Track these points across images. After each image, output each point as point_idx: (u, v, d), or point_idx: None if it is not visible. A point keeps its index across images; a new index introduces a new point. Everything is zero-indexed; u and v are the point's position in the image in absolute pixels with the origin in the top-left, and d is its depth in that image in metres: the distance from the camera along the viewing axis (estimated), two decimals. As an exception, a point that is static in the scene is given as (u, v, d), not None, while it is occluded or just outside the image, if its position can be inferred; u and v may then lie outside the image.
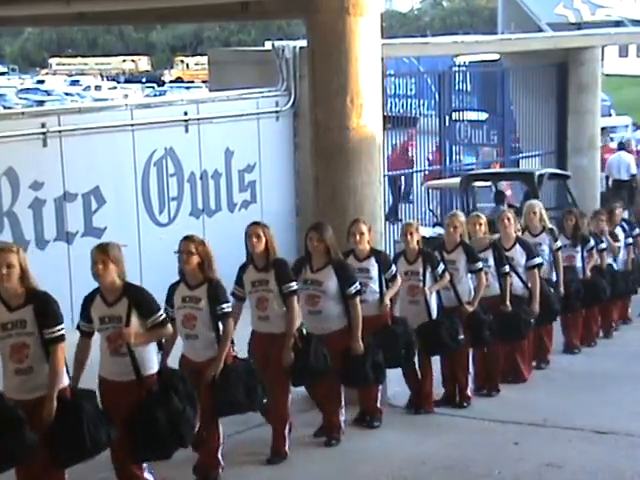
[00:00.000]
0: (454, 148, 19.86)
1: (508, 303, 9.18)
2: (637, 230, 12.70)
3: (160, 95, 42.51)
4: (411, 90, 22.81)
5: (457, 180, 18.05)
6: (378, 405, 8.28)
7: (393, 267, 8.18)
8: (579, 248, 10.97)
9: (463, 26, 58.58)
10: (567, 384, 9.89)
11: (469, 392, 8.96)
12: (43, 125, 11.75)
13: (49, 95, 47.43)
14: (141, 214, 12.85)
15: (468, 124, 20.63)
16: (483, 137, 20.43)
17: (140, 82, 58.28)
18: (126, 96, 45.19)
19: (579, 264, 10.96)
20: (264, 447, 7.46)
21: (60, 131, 11.92)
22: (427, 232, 15.58)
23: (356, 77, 8.46)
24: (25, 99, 45.63)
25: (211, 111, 13.63)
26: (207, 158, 13.62)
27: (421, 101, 22.61)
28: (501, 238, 9.62)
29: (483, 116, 21.14)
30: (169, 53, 70.40)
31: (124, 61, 68.46)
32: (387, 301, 8.09)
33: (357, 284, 7.59)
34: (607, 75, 35.11)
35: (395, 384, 9.01)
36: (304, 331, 7.32)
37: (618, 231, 12.17)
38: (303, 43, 10.57)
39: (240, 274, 7.32)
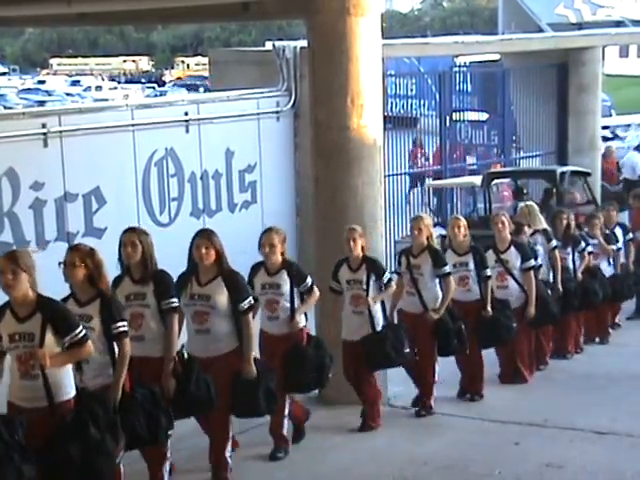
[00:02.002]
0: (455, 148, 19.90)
1: (489, 308, 8.97)
2: (630, 235, 12.40)
3: (161, 95, 42.51)
4: (411, 90, 22.85)
5: (458, 180, 18.16)
6: (284, 433, 7.55)
7: (308, 279, 7.50)
8: (570, 249, 10.91)
9: (463, 26, 58.61)
10: (567, 385, 9.89)
11: (432, 401, 8.61)
12: (44, 125, 11.74)
13: (50, 95, 47.47)
14: (142, 214, 12.84)
15: (469, 124, 20.65)
16: (484, 137, 20.45)
17: (140, 82, 58.30)
18: (126, 96, 45.16)
19: (570, 265, 10.88)
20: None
21: (61, 131, 11.91)
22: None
23: (357, 77, 8.46)
24: (26, 99, 45.65)
25: (212, 111, 13.63)
26: (208, 158, 13.62)
27: (421, 101, 22.64)
28: (496, 240, 9.55)
29: (484, 116, 21.16)
30: (169, 53, 70.41)
31: (125, 61, 68.50)
32: (299, 318, 7.47)
33: (250, 298, 6.77)
34: (607, 75, 35.10)
35: (395, 385, 9.01)
36: (185, 354, 6.45)
37: (618, 232, 12.01)
38: (304, 43, 10.57)
39: (113, 287, 6.28)
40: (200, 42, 66.84)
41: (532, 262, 9.56)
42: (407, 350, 8.14)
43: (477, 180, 16.75)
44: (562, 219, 10.97)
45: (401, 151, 17.95)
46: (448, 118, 19.44)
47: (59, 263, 5.95)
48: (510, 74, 19.83)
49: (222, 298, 6.65)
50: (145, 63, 70.01)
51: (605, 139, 22.61)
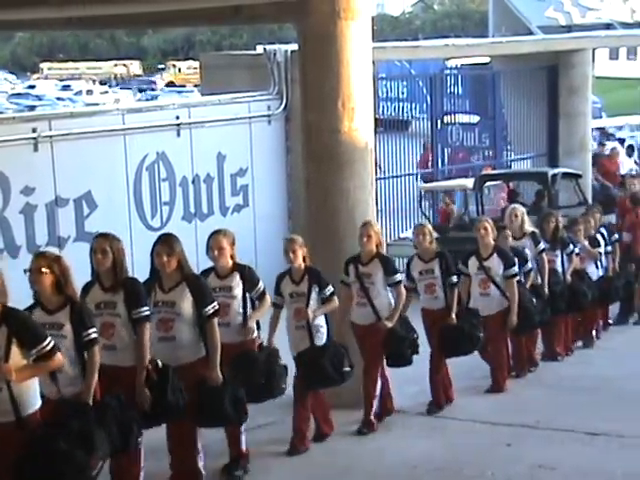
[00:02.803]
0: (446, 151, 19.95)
1: (454, 316, 8.72)
2: (616, 236, 12.35)
3: (152, 99, 42.48)
4: (403, 93, 22.89)
5: (450, 183, 18.19)
6: (243, 448, 7.20)
7: (261, 284, 7.21)
8: (558, 252, 10.89)
9: (454, 29, 58.68)
10: (558, 386, 9.90)
11: (371, 417, 8.20)
12: (34, 130, 11.75)
13: (40, 100, 47.37)
14: (133, 219, 12.86)
15: (460, 127, 20.70)
16: (475, 140, 20.50)
17: (130, 88, 58.20)
18: (118, 101, 45.11)
19: (559, 268, 10.86)
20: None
21: (51, 136, 11.93)
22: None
23: (347, 80, 8.47)
24: (16, 104, 45.55)
25: (203, 115, 13.64)
26: (199, 162, 13.64)
27: (413, 104, 22.68)
28: (479, 247, 9.36)
29: (475, 119, 21.20)
30: (161, 57, 70.34)
31: (115, 65, 68.39)
32: (252, 324, 7.17)
33: (215, 304, 6.58)
34: (597, 77, 35.19)
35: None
36: (159, 362, 6.29)
37: (599, 237, 11.93)
38: (294, 47, 10.60)
39: (83, 294, 6.21)
40: (191, 46, 66.78)
41: (515, 269, 9.38)
42: (347, 369, 7.66)
43: (469, 183, 16.79)
44: (550, 221, 10.97)
45: (395, 153, 18.03)
46: (439, 121, 19.50)
47: (24, 270, 5.75)
48: (501, 77, 19.89)
49: (187, 304, 6.52)
50: (136, 67, 69.93)
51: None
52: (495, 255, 9.31)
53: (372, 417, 8.21)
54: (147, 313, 6.24)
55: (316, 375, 7.51)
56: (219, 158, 13.90)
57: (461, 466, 7.38)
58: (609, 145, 22.59)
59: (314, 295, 7.57)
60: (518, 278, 9.58)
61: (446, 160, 20.08)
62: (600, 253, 11.83)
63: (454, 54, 19.77)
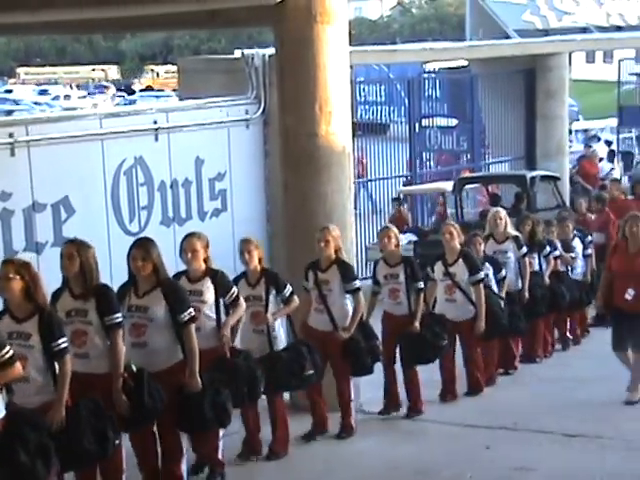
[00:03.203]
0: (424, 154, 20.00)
1: (417, 323, 8.60)
2: (589, 237, 12.34)
3: (130, 104, 42.37)
4: (381, 97, 22.94)
5: (429, 186, 18.25)
6: (220, 456, 7.15)
7: (234, 289, 7.12)
8: (535, 254, 10.93)
9: (432, 33, 58.81)
10: (537, 388, 9.95)
11: (351, 420, 8.15)
12: (11, 135, 11.64)
13: (17, 105, 47.12)
14: (111, 223, 12.78)
15: (438, 130, 20.76)
16: (453, 143, 20.56)
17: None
18: (95, 105, 44.96)
19: (537, 270, 10.89)
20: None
21: (28, 141, 11.84)
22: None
23: (324, 84, 8.49)
24: (-7, 109, 45.30)
25: (181, 120, 13.60)
26: (177, 167, 13.57)
27: (391, 108, 22.73)
28: (445, 252, 9.26)
29: (453, 122, 21.27)
30: (138, 62, 70.15)
31: (93, 70, 68.14)
32: (226, 331, 7.02)
33: (191, 310, 6.53)
34: (574, 81, 35.34)
35: (367, 390, 9.02)
36: (133, 367, 6.26)
37: (575, 242, 11.95)
38: (272, 51, 10.58)
39: (52, 301, 6.14)
40: (169, 50, 66.62)
41: (481, 275, 9.26)
42: (309, 373, 7.58)
43: (447, 186, 16.85)
44: (526, 224, 11.00)
45: (374, 157, 18.07)
46: (417, 124, 19.54)
47: None
48: (478, 80, 19.95)
49: (160, 309, 6.44)
50: (114, 72, 69.74)
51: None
52: (461, 260, 9.20)
53: (351, 420, 8.16)
54: (120, 320, 6.18)
55: (274, 381, 7.39)
56: (197, 162, 13.83)
57: (440, 469, 7.42)
58: (597, 147, 22.69)
59: (272, 298, 7.45)
60: (489, 284, 9.60)
61: (431, 163, 20.18)
62: (574, 258, 11.82)
63: (432, 58, 19.83)
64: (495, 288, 9.92)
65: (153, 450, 6.61)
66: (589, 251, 12.07)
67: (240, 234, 14.00)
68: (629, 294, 8.80)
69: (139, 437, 6.51)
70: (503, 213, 10.63)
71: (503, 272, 10.01)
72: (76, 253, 6.14)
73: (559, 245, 11.57)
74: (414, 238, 15.34)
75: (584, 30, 22.02)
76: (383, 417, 8.80)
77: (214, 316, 7.01)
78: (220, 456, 7.14)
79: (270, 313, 7.42)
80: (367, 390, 9.01)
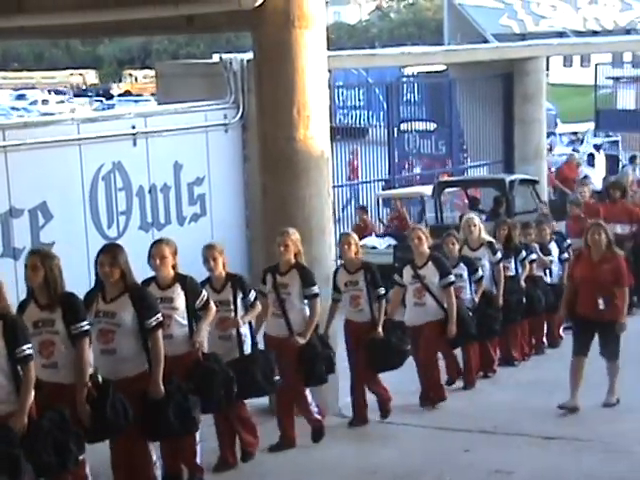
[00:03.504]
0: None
1: (380, 329, 8.41)
2: (567, 242, 12.25)
3: (108, 109, 42.24)
4: (360, 101, 23.01)
5: (407, 190, 18.29)
6: (198, 461, 7.05)
7: (204, 293, 7.05)
8: (512, 259, 10.89)
9: (411, 37, 58.97)
10: (515, 391, 9.97)
11: (319, 424, 8.01)
12: (-12, 140, 11.63)
13: (-6, 110, 46.88)
14: (89, 229, 12.76)
15: (416, 134, 20.83)
16: (431, 147, 20.64)
17: (87, 96, 57.89)
18: (73, 110, 44.79)
19: (513, 275, 10.83)
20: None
21: (5, 146, 11.81)
22: (377, 242, 15.72)
23: (302, 89, 8.49)
24: (-30, 114, 45.03)
25: (159, 124, 13.58)
26: (156, 171, 13.57)
27: (370, 112, 22.81)
28: (414, 256, 9.14)
29: (431, 126, 21.34)
30: (117, 66, 69.97)
31: (71, 75, 67.90)
32: (201, 337, 6.97)
33: (159, 315, 6.46)
34: (552, 85, 35.53)
35: (346, 395, 9.02)
36: (99, 378, 6.16)
37: (552, 246, 11.89)
38: (251, 56, 10.60)
39: (19, 312, 6.09)
40: (148, 55, 66.47)
41: (451, 278, 9.12)
42: (277, 377, 7.52)
43: (426, 190, 16.89)
44: (502, 229, 10.97)
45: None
46: (396, 129, 19.60)
47: None
48: (456, 84, 20.04)
49: (128, 315, 6.38)
50: (92, 76, 69.50)
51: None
52: (430, 263, 9.07)
53: (316, 419, 8.03)
54: (86, 328, 6.12)
55: (248, 385, 7.29)
56: (176, 167, 13.84)
57: (419, 472, 7.42)
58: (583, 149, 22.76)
59: (240, 302, 7.39)
60: (464, 287, 9.58)
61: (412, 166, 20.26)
62: (552, 261, 11.85)
63: (410, 62, 19.90)
64: (469, 290, 9.85)
65: (143, 459, 6.53)
66: (566, 255, 11.99)
67: (219, 238, 14.03)
68: (601, 304, 8.71)
69: (131, 448, 6.45)
70: (477, 220, 10.56)
71: (479, 273, 9.96)
72: (40, 264, 6.07)
73: (537, 248, 11.60)
74: (393, 242, 15.36)
75: (561, 34, 22.18)
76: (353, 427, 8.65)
77: (186, 322, 6.93)
78: (199, 461, 7.06)
79: (240, 317, 7.37)
80: (346, 394, 8.99)
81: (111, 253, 6.45)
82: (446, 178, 18.55)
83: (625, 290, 8.92)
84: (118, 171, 13.10)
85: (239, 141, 14.51)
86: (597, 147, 23.97)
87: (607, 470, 7.34)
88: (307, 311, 7.91)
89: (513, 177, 16.41)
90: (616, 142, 26.33)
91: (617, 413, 8.83)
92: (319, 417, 8.08)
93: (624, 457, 7.61)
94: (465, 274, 9.82)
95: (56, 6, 9.34)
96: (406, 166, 20.64)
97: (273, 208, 8.76)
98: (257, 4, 8.31)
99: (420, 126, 21.16)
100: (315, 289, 7.89)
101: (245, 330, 7.45)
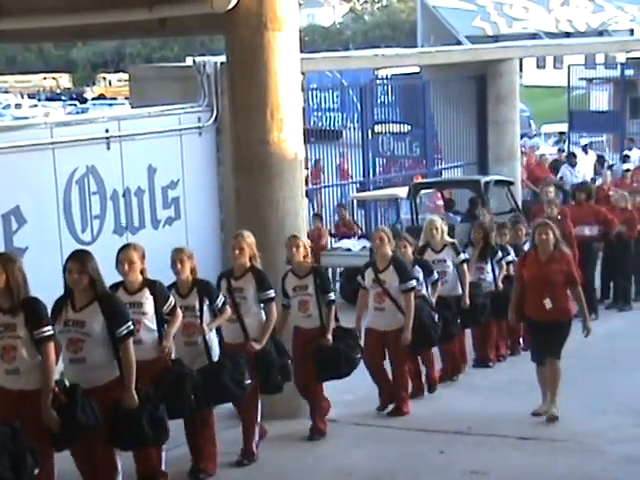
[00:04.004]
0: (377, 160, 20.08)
1: (330, 336, 8.14)
2: None
3: (82, 113, 42.07)
4: (334, 103, 23.01)
5: (382, 192, 18.33)
6: (162, 467, 6.97)
7: (171, 298, 6.97)
8: (488, 260, 10.93)
9: (385, 39, 59.12)
10: (490, 392, 10.01)
11: (253, 446, 7.75)
12: (-39, 144, 11.54)
13: (-33, 114, 46.62)
14: (63, 233, 12.68)
15: (391, 136, 20.85)
16: (406, 149, 20.67)
17: (61, 100, 57.64)
18: (47, 114, 44.59)
19: (489, 276, 10.92)
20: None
21: (-22, 150, 11.73)
22: (352, 244, 15.74)
23: (275, 91, 8.49)
24: (-57, 119, 44.72)
25: (133, 128, 13.53)
26: (130, 175, 13.50)
27: (344, 114, 22.81)
28: (375, 259, 8.96)
29: (405, 128, 21.38)
30: (90, 70, 69.72)
31: (45, 78, 67.59)
32: (169, 342, 6.86)
33: (130, 324, 6.34)
34: (526, 86, 35.71)
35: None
36: (66, 382, 6.07)
37: (527, 246, 11.97)
38: (224, 58, 10.59)
39: None
40: (121, 58, 66.30)
41: (412, 283, 8.89)
42: (248, 382, 7.39)
43: (400, 192, 16.93)
44: (477, 232, 11.00)
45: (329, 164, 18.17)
46: (370, 130, 19.62)
47: None
48: (430, 86, 20.08)
49: (98, 324, 6.24)
50: (66, 80, 69.23)
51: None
52: (391, 267, 8.82)
53: (253, 446, 7.76)
54: (50, 333, 6.00)
55: (218, 392, 7.19)
56: (150, 171, 13.78)
57: (394, 474, 7.45)
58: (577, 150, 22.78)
59: (206, 308, 7.24)
60: (421, 290, 9.37)
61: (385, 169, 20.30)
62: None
63: (384, 64, 19.90)
64: (425, 292, 9.67)
65: (109, 468, 6.39)
66: None
67: (194, 242, 14.02)
68: (548, 304, 8.50)
69: (97, 457, 6.32)
70: (439, 222, 10.44)
71: (435, 275, 9.81)
72: (2, 268, 5.96)
73: (511, 250, 11.62)
74: (368, 244, 15.39)
75: (534, 36, 22.27)
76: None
77: (155, 327, 6.86)
78: (163, 467, 6.98)
79: (206, 324, 7.22)
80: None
81: (80, 260, 6.30)
82: (421, 180, 18.60)
83: (579, 290, 8.72)
84: (92, 175, 13.03)
85: (213, 144, 14.47)
86: (584, 147, 24.04)
87: (582, 470, 7.39)
88: (263, 316, 7.75)
89: (488, 178, 16.49)
90: (601, 142, 26.41)
91: (591, 413, 8.87)
92: (254, 441, 7.75)
93: (598, 457, 7.65)
94: (421, 277, 9.63)
95: (30, 10, 9.30)
96: (380, 168, 20.67)
97: (247, 211, 8.75)
98: (230, 7, 8.31)
99: (394, 128, 21.20)
100: (271, 293, 7.74)
101: (213, 336, 7.32)
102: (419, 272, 9.61)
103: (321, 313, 8.21)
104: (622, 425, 8.45)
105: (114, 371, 6.32)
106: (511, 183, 16.81)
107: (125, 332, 6.28)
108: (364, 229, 17.63)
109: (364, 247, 15.44)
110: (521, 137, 22.01)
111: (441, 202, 17.79)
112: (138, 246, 7.03)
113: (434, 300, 9.76)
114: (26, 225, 12.20)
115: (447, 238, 10.35)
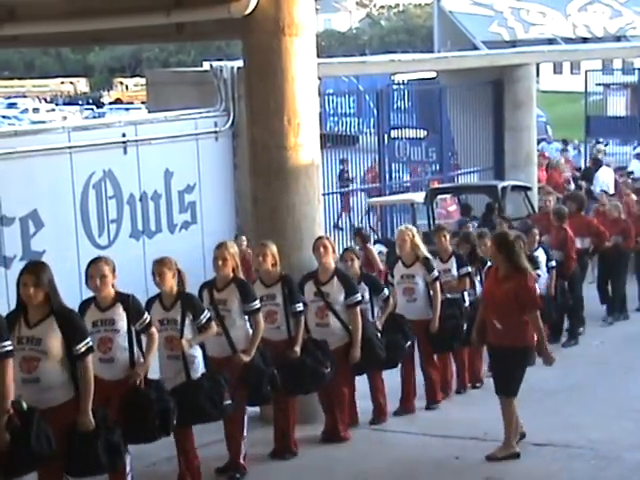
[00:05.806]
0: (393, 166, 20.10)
1: (297, 349, 7.69)
2: (554, 253, 11.75)
3: (99, 117, 42.23)
4: (351, 108, 23.05)
5: (398, 197, 18.34)
6: None
7: (146, 315, 6.58)
8: (478, 272, 10.13)
9: (401, 44, 59.12)
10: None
11: (240, 459, 7.42)
12: (-21, 149, 11.63)
13: (-15, 118, 46.81)
14: (80, 237, 12.78)
15: (407, 142, 20.86)
16: (422, 154, 20.68)
17: (78, 104, 57.88)
18: (65, 118, 44.79)
19: (479, 287, 10.02)
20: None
21: (-4, 154, 11.82)
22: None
23: (292, 96, 8.51)
24: (-39, 123, 44.95)
25: (150, 132, 13.61)
26: (146, 179, 13.59)
27: (360, 119, 22.84)
28: (318, 270, 8.20)
29: (422, 133, 21.38)
30: (108, 74, 69.98)
31: (62, 83, 67.89)
32: (144, 370, 6.52)
33: (88, 340, 5.94)
34: (542, 92, 35.69)
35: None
36: (23, 405, 5.66)
37: (539, 252, 11.35)
38: (241, 63, 10.64)
39: None
40: (138, 63, 66.51)
41: (358, 297, 8.15)
42: (228, 402, 7.01)
43: (416, 197, 16.93)
44: (463, 244, 10.38)
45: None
46: (386, 136, 19.64)
47: None
48: (447, 91, 20.09)
49: (54, 341, 5.82)
50: (83, 84, 69.52)
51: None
52: (335, 279, 8.12)
53: (241, 459, 7.45)
54: (9, 349, 5.59)
55: (192, 412, 6.84)
56: (166, 175, 13.87)
57: (410, 479, 7.42)
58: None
59: (188, 323, 6.91)
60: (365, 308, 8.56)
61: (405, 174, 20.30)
62: (539, 275, 10.85)
63: (400, 69, 19.92)
64: (371, 313, 8.74)
65: None
66: (553, 263, 11.53)
67: (210, 247, 14.03)
68: (497, 324, 7.55)
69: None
70: (412, 232, 9.29)
71: (385, 292, 8.77)
72: None
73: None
74: (384, 249, 15.38)
75: (551, 41, 22.19)
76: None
77: (127, 346, 6.49)
78: None
79: (185, 340, 6.88)
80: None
81: (34, 272, 5.86)
82: (438, 185, 18.59)
83: (535, 315, 7.55)
84: (109, 179, 13.13)
85: (229, 149, 14.55)
86: (638, 156, 23.72)
87: (598, 476, 7.36)
88: (249, 327, 7.43)
89: (505, 183, 16.45)
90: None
91: (607, 420, 8.84)
92: (243, 453, 7.49)
93: (614, 463, 7.62)
94: (367, 295, 8.65)
95: (47, 14, 9.35)
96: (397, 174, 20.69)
97: (263, 216, 8.76)
98: (247, 12, 8.33)
99: (411, 133, 21.21)
100: (256, 304, 7.39)
101: (196, 352, 6.98)
102: (364, 289, 8.61)
103: (289, 324, 7.80)
104: (638, 431, 8.42)
105: (70, 391, 5.92)
106: (529, 188, 16.76)
107: (84, 349, 5.89)
108: (380, 234, 17.65)
109: (380, 252, 15.44)
110: (538, 142, 21.97)
111: (453, 208, 17.75)
112: (109, 259, 6.64)
113: (383, 319, 8.75)
114: (44, 229, 12.29)
115: (421, 251, 9.17)
